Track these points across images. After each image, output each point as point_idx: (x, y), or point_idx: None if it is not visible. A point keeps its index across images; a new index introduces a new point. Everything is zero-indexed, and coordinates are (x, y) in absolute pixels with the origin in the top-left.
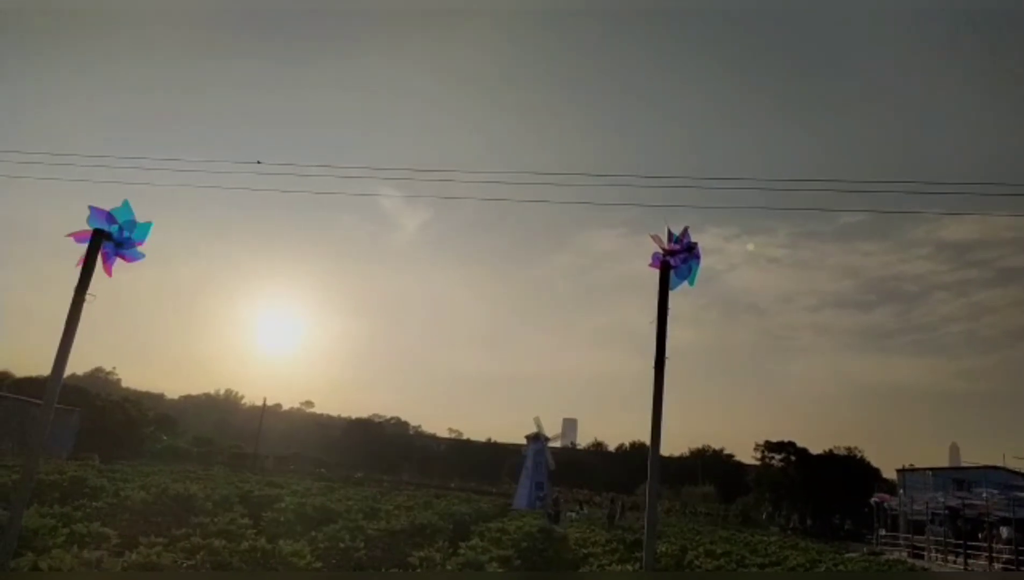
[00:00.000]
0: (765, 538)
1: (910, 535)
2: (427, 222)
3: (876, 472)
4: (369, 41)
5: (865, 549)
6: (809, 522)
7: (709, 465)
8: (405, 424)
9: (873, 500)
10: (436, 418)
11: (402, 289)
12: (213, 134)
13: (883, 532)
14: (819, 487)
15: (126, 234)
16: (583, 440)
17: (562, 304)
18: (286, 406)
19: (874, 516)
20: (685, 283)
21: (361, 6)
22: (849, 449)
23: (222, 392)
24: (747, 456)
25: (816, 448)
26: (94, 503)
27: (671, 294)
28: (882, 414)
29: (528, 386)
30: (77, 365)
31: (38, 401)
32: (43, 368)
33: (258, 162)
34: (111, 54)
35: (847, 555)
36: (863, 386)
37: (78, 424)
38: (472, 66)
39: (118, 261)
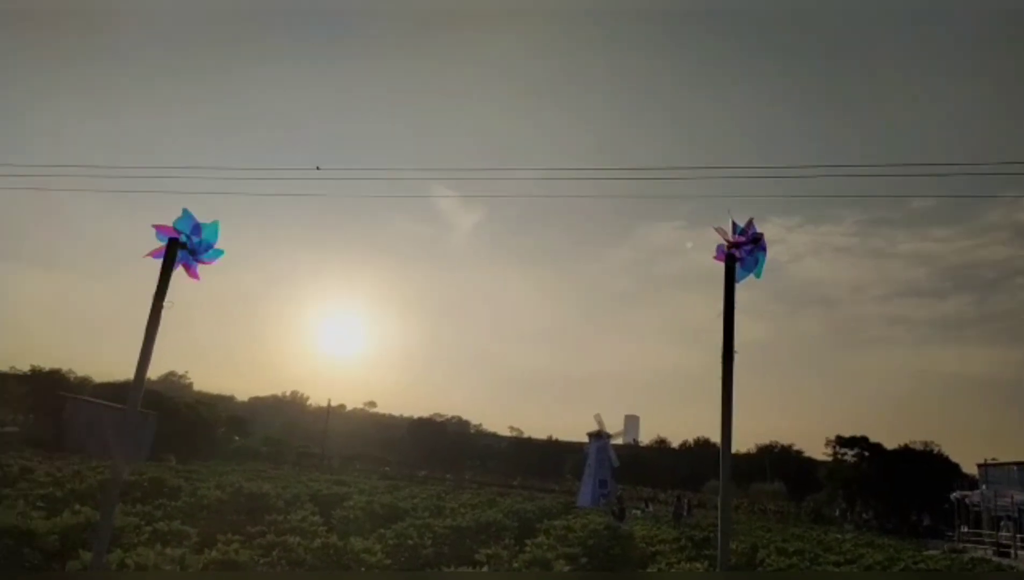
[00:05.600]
0: (839, 536)
1: (994, 532)
2: (481, 221)
3: (955, 467)
4: (420, 41)
5: (946, 547)
6: (882, 518)
7: (777, 462)
8: (466, 423)
9: (954, 496)
10: (496, 416)
11: (459, 288)
12: (265, 140)
13: (965, 529)
14: (895, 483)
15: (196, 240)
16: (645, 437)
17: (621, 299)
18: (350, 407)
19: (955, 512)
20: (751, 276)
21: (411, 5)
22: (926, 443)
23: (288, 394)
24: (817, 452)
25: (891, 443)
26: (173, 502)
27: (736, 287)
28: (960, 407)
29: (588, 383)
30: (152, 370)
31: (117, 405)
32: (118, 374)
33: (317, 168)
34: (151, 62)
35: (927, 553)
36: (939, 378)
37: (155, 427)
38: (522, 63)
39: (197, 265)
